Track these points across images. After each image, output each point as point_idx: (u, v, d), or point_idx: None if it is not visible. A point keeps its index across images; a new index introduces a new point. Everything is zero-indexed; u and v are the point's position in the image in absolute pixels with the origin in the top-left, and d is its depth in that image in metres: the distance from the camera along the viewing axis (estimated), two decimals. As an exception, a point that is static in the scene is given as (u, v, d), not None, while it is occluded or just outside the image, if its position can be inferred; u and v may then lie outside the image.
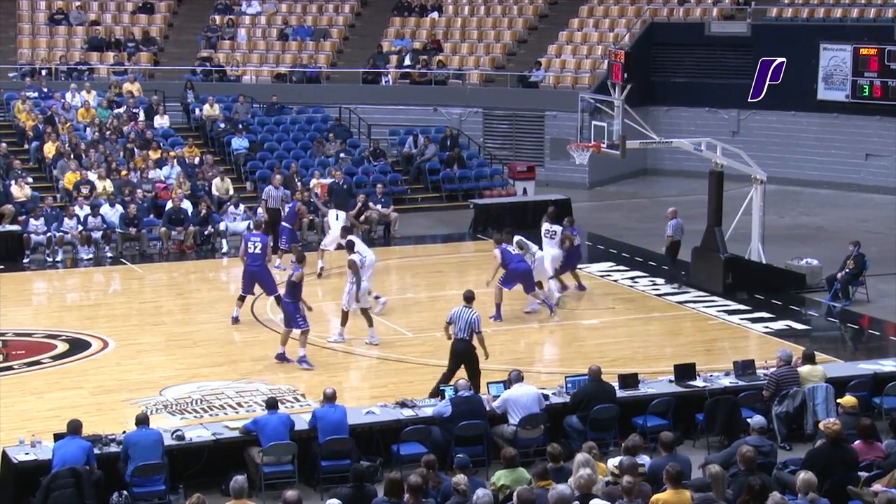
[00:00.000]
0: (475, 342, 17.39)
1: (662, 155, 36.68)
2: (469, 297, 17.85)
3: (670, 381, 16.79)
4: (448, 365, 17.43)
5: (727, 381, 16.77)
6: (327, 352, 20.33)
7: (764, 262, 24.47)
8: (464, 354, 17.31)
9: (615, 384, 16.43)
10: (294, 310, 19.25)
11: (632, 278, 25.31)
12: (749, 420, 14.35)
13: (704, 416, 16.01)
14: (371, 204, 29.17)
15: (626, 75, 24.98)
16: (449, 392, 15.61)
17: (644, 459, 13.12)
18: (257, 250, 21.33)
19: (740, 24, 36.87)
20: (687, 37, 37.48)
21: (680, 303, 23.40)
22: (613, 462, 12.97)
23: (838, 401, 15.23)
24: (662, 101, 37.06)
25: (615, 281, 25.05)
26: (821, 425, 13.60)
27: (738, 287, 23.80)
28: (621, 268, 26.05)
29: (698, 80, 36.98)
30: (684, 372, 16.86)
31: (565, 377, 16.65)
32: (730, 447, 13.97)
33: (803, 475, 11.89)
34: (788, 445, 15.82)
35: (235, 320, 21.61)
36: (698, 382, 16.73)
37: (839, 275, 23.32)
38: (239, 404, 17.51)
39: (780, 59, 35.10)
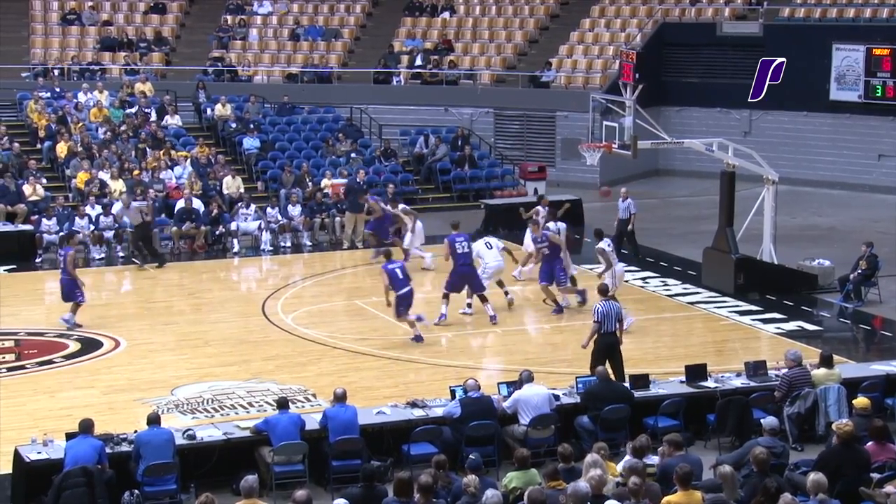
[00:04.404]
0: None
1: (674, 155, 36.61)
2: (605, 290, 18.20)
3: (681, 382, 16.76)
4: (593, 362, 17.40)
5: (738, 382, 16.73)
6: (338, 351, 20.35)
7: (776, 262, 24.41)
8: (611, 348, 17.51)
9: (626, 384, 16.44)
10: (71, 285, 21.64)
11: (643, 279, 25.29)
12: (761, 421, 14.33)
13: (716, 416, 15.97)
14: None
15: (637, 75, 24.96)
16: (459, 392, 15.59)
17: (653, 460, 13.09)
18: None
19: (752, 25, 36.78)
20: (698, 37, 37.40)
21: (691, 303, 23.37)
22: (624, 463, 12.93)
23: (852, 401, 15.17)
24: (674, 102, 36.99)
25: (626, 281, 24.94)
26: (833, 426, 13.56)
27: (750, 288, 23.75)
28: (632, 268, 25.98)
29: (710, 80, 36.91)
30: (695, 372, 16.83)
31: (576, 377, 16.65)
32: (741, 448, 13.93)
33: (813, 476, 11.86)
34: (800, 446, 15.77)
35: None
36: (709, 383, 16.70)
37: (851, 275, 23.24)
38: (250, 404, 17.53)
39: (780, 59, 34.52)
